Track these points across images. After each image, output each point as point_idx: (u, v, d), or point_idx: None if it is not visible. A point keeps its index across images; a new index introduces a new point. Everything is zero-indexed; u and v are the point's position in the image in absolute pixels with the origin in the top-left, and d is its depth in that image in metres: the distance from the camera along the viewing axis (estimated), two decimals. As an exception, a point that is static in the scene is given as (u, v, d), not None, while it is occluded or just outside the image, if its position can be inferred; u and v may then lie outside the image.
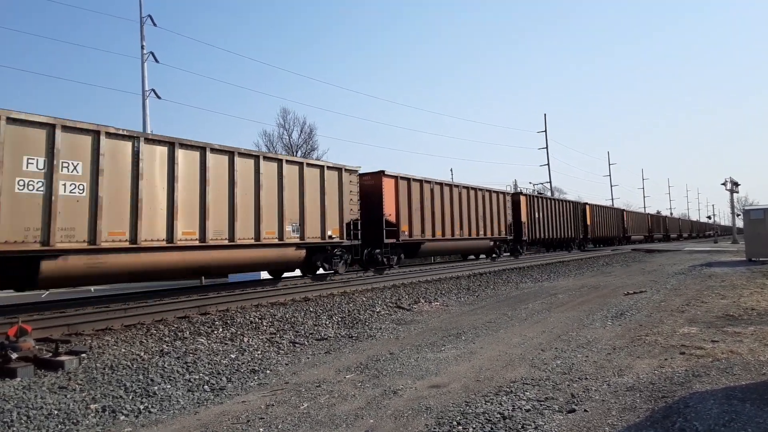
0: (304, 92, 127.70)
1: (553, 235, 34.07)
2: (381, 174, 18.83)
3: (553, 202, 35.36)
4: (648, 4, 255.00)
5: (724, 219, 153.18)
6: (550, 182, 59.82)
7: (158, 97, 27.82)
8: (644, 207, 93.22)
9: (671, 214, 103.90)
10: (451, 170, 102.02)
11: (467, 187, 24.61)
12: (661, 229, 74.16)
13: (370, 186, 18.74)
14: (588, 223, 41.91)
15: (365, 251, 18.27)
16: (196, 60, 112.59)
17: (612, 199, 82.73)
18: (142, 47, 27.89)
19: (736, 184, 52.35)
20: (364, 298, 13.85)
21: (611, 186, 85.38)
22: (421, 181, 20.88)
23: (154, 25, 28.45)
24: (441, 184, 22.33)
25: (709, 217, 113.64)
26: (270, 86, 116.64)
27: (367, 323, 10.80)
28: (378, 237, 18.46)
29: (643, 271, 22.49)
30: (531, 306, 12.46)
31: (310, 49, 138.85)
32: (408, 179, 20.08)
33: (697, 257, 30.67)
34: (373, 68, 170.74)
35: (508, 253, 29.78)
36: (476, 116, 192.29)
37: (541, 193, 43.64)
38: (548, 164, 60.20)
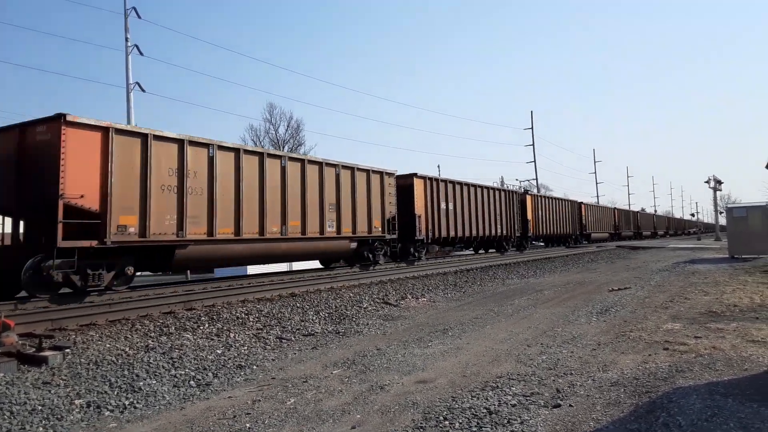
0: (293, 88, 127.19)
1: (474, 233, 25.97)
2: (60, 121, 9.92)
3: (473, 189, 26.50)
4: (636, 4, 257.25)
5: (707, 216, 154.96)
6: (537, 179, 60.22)
7: (143, 90, 27.60)
8: (629, 204, 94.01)
9: (655, 211, 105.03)
10: (438, 166, 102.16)
11: (301, 160, 15.89)
12: (632, 226, 71.51)
13: (42, 144, 10.32)
14: (529, 217, 34.06)
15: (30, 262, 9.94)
16: (182, 54, 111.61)
17: (597, 196, 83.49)
18: (126, 39, 27.63)
19: (719, 182, 53.13)
20: (351, 294, 13.84)
21: (596, 183, 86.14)
22: (181, 142, 12.04)
23: (138, 17, 28.20)
24: (237, 150, 13.63)
25: (692, 215, 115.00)
26: (258, 81, 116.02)
27: (354, 319, 10.81)
28: (51, 236, 9.90)
29: (628, 267, 22.71)
30: (517, 302, 12.54)
31: (301, 45, 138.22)
32: (142, 136, 11.28)
33: (681, 254, 31.03)
34: (361, 64, 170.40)
35: (397, 259, 21.05)
36: (465, 113, 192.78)
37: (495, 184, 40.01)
38: (534, 161, 60.57)
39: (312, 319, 10.66)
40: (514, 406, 5.07)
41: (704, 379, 5.72)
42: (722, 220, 56.13)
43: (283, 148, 44.31)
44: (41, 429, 4.92)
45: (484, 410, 4.96)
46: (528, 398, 5.29)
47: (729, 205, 30.08)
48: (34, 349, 7.38)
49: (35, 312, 9.49)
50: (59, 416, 5.21)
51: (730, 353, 6.78)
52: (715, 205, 58.90)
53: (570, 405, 5.06)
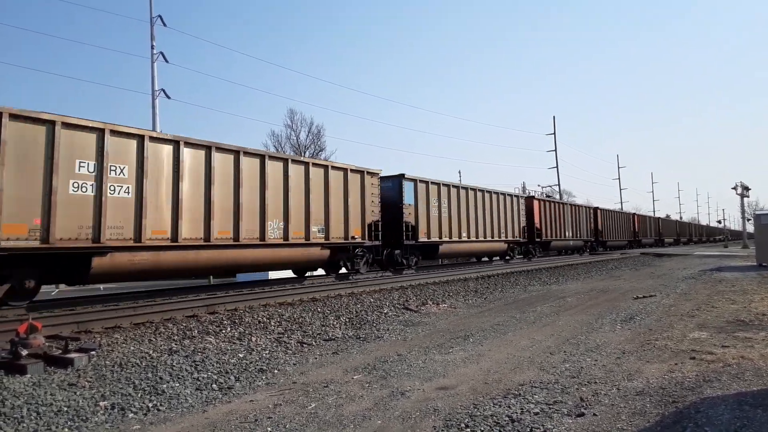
0: (314, 94, 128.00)
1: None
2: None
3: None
4: (665, 3, 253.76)
5: (734, 223, 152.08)
6: (559, 185, 59.68)
7: (168, 97, 27.97)
8: (653, 211, 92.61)
9: (681, 218, 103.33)
10: (459, 172, 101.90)
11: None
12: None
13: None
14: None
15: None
16: (204, 60, 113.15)
17: (621, 202, 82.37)
18: (152, 47, 28.02)
19: (746, 189, 52.05)
20: (372, 299, 13.83)
21: (620, 189, 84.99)
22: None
23: (164, 25, 28.57)
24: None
25: (719, 222, 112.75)
26: (279, 87, 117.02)
27: (374, 324, 10.79)
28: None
29: (653, 275, 22.36)
30: (539, 309, 12.41)
31: (322, 51, 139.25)
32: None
33: (707, 262, 30.46)
34: (382, 70, 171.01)
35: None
36: (487, 118, 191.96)
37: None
38: (557, 166, 60.04)
39: (333, 324, 10.68)
40: (537, 414, 5.01)
41: (732, 389, 5.59)
42: (750, 228, 55.10)
43: (305, 153, 44.53)
44: (66, 430, 4.99)
45: (507, 418, 4.91)
46: (551, 406, 5.22)
47: (757, 212, 29.45)
48: (60, 351, 7.51)
49: (62, 315, 9.68)
50: (84, 417, 5.28)
51: (759, 363, 6.63)
52: (743, 211, 58.06)
53: (594, 414, 4.98)
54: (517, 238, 28.81)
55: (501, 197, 27.13)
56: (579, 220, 38.12)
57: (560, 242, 34.90)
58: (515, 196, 29.11)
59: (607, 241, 44.41)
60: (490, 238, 25.72)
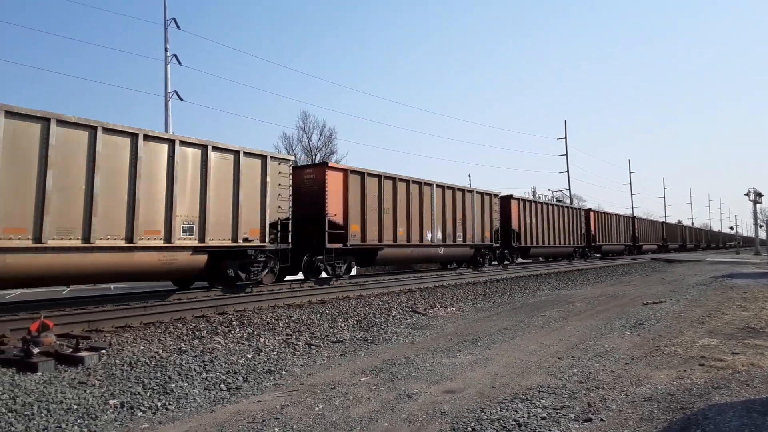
0: (326, 97, 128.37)
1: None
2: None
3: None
4: (674, 7, 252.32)
5: (746, 230, 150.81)
6: (570, 190, 59.35)
7: (180, 99, 28.14)
8: (665, 216, 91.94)
9: (693, 224, 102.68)
10: (469, 176, 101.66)
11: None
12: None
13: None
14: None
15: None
16: (217, 62, 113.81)
17: (632, 207, 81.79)
18: (166, 50, 28.23)
19: (759, 195, 51.65)
20: (380, 302, 13.84)
21: (632, 194, 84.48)
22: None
23: (178, 28, 28.79)
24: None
25: (731, 228, 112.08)
26: (292, 90, 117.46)
27: (382, 327, 10.81)
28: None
29: (663, 281, 22.20)
30: (548, 314, 12.37)
31: (334, 55, 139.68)
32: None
33: (719, 268, 30.22)
34: (393, 74, 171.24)
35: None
36: (497, 122, 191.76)
37: None
38: (567, 171, 59.75)
39: (341, 326, 10.70)
40: (543, 419, 5.00)
41: (741, 396, 5.56)
42: (762, 234, 54.70)
43: (316, 156, 44.71)
44: (76, 428, 5.04)
45: (513, 422, 4.90)
46: (558, 411, 5.21)
47: (770, 219, 29.19)
48: (71, 350, 7.58)
49: (72, 314, 9.77)
50: (94, 416, 5.33)
51: (769, 371, 6.58)
52: (755, 218, 57.31)
53: (601, 419, 4.97)
54: (489, 243, 25.56)
55: (470, 195, 24.06)
56: (568, 223, 35.28)
57: (543, 248, 32.03)
58: (488, 194, 25.97)
59: (602, 245, 41.81)
60: (452, 242, 22.28)
